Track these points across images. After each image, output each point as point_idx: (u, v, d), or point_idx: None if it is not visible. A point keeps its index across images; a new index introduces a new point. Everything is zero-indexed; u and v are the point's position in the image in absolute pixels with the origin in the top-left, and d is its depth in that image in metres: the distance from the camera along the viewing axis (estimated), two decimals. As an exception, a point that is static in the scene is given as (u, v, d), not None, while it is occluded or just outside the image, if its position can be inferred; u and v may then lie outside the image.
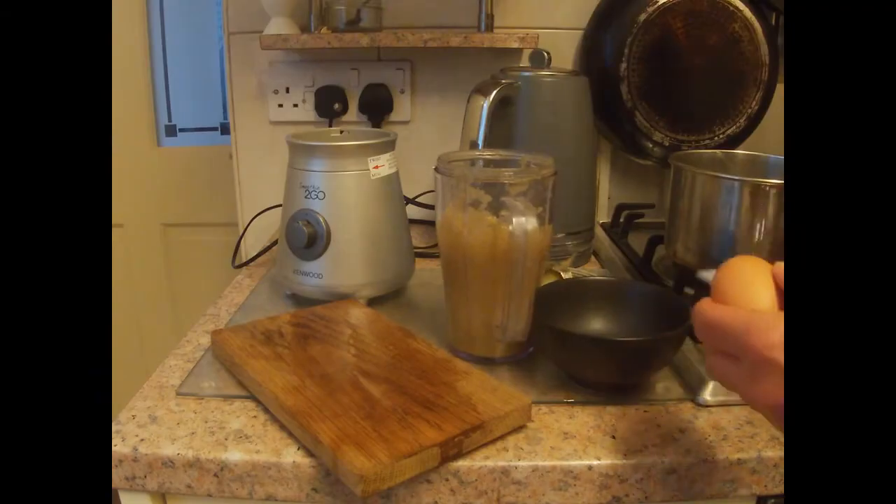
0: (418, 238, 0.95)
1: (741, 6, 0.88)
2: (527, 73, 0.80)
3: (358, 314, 0.66)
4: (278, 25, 0.92)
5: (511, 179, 0.55)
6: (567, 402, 0.54)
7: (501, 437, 0.49)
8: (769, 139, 0.96)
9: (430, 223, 0.97)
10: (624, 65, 0.89)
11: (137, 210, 1.43)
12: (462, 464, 0.46)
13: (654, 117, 0.92)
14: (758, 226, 0.65)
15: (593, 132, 0.86)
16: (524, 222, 0.52)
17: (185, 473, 0.47)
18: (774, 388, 0.33)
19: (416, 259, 0.78)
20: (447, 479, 0.47)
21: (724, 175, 0.68)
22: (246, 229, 0.97)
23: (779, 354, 0.32)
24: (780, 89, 0.94)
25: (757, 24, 0.89)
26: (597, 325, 0.60)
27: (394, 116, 1.02)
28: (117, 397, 0.68)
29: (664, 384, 0.56)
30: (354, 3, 0.93)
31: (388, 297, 0.74)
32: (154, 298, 1.48)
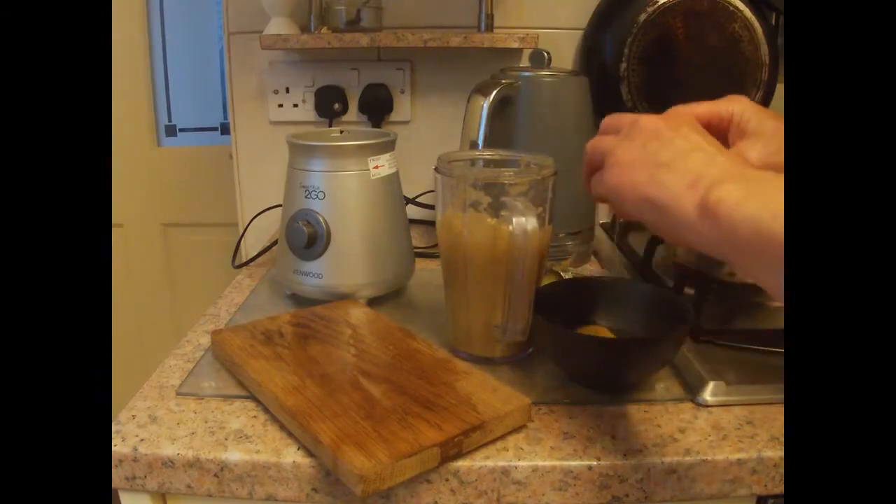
0: (418, 238, 0.95)
1: (741, 6, 0.89)
2: (527, 73, 0.80)
3: (358, 314, 0.66)
4: (278, 25, 0.93)
5: (511, 179, 0.55)
6: (567, 402, 0.54)
7: (501, 437, 0.49)
8: (769, 139, 0.96)
9: (430, 223, 0.97)
10: (624, 65, 0.89)
11: (137, 210, 1.43)
12: (462, 464, 0.46)
13: (654, 117, 0.92)
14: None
15: (593, 132, 0.86)
16: (524, 222, 0.52)
17: (185, 473, 0.47)
18: (636, 147, 0.42)
19: (416, 259, 0.78)
20: (447, 479, 0.47)
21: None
22: (246, 229, 0.97)
23: (646, 122, 0.43)
24: (780, 89, 0.94)
25: (757, 24, 0.89)
26: (597, 325, 0.60)
27: (394, 116, 1.02)
28: (117, 397, 0.68)
29: (664, 384, 0.56)
30: (354, 3, 0.93)
31: (388, 297, 0.74)
32: (154, 298, 1.48)
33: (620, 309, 0.59)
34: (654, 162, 0.40)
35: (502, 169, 0.62)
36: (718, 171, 0.37)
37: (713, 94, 0.91)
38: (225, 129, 1.43)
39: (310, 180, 0.69)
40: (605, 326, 0.59)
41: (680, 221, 0.37)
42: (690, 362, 0.57)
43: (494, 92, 0.75)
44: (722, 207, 0.34)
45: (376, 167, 0.70)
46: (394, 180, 0.73)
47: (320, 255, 0.69)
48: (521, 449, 0.48)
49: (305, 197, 0.69)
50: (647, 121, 0.43)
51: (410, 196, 0.94)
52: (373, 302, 0.72)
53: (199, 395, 0.55)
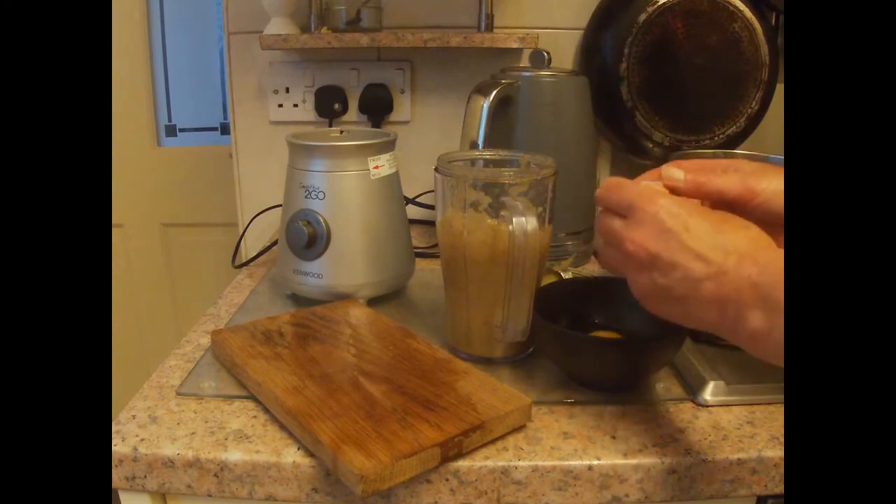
0: (418, 238, 0.95)
1: (741, 6, 0.88)
2: (527, 73, 0.80)
3: (358, 314, 0.66)
4: (278, 25, 0.93)
5: (511, 179, 0.55)
6: (567, 402, 0.54)
7: (501, 437, 0.49)
8: (769, 139, 0.96)
9: (430, 223, 0.97)
10: (624, 65, 0.89)
11: (137, 210, 1.43)
12: (462, 464, 0.46)
13: (654, 117, 0.92)
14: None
15: (593, 132, 0.86)
16: (524, 222, 0.52)
17: (185, 473, 0.47)
18: (648, 233, 0.41)
19: (416, 259, 0.78)
20: (447, 479, 0.47)
21: (724, 175, 0.68)
22: (246, 229, 0.97)
23: (656, 209, 0.40)
24: (780, 89, 0.94)
25: (757, 24, 0.89)
26: (597, 325, 0.60)
27: (394, 116, 1.02)
28: (117, 397, 0.68)
29: (664, 384, 0.56)
30: (354, 3, 0.93)
31: (388, 297, 0.74)
32: (154, 298, 1.48)
33: (620, 309, 0.59)
34: (673, 297, 0.40)
35: (502, 169, 0.62)
36: (732, 289, 0.37)
37: (713, 94, 0.92)
38: (225, 129, 1.43)
39: (310, 180, 0.69)
40: (610, 331, 0.59)
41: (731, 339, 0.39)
42: (690, 362, 0.57)
43: (494, 92, 0.75)
44: (760, 341, 0.36)
45: (376, 167, 0.70)
46: (394, 180, 0.73)
47: (320, 255, 0.69)
48: (521, 449, 0.48)
49: (305, 197, 0.69)
50: (640, 232, 0.41)
51: (410, 196, 0.94)
52: (373, 302, 0.72)
53: (199, 395, 0.55)
